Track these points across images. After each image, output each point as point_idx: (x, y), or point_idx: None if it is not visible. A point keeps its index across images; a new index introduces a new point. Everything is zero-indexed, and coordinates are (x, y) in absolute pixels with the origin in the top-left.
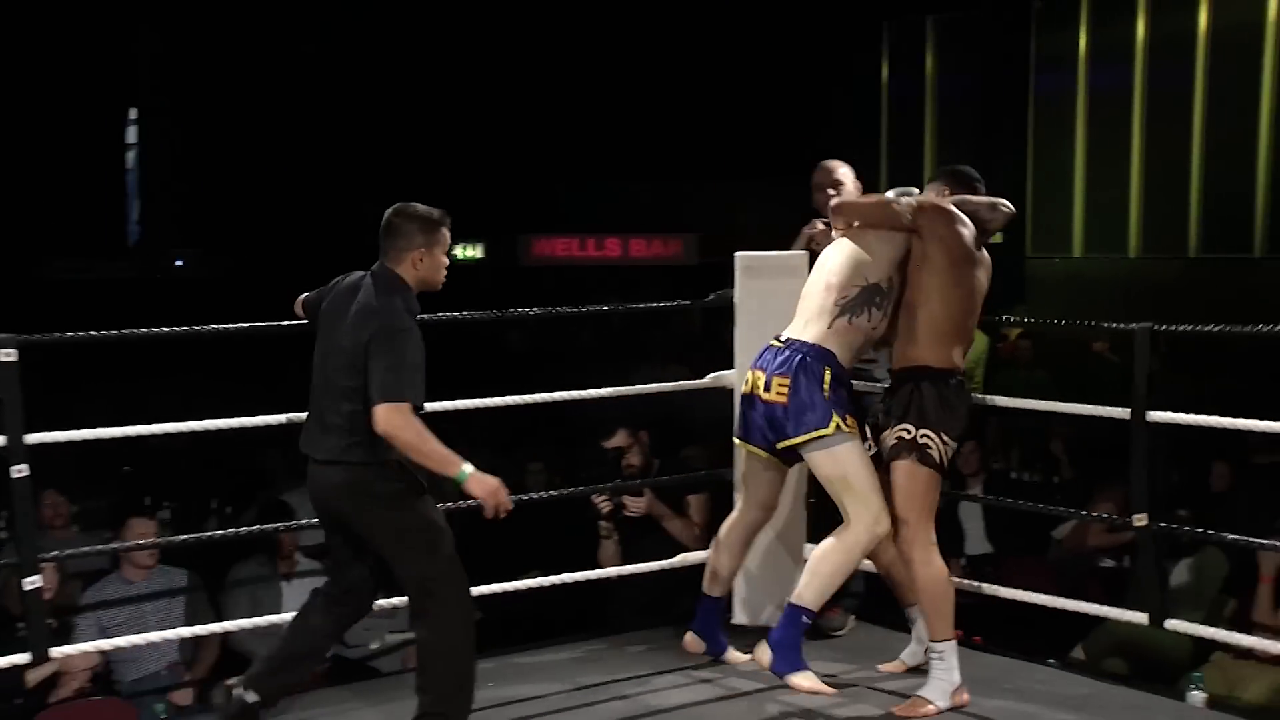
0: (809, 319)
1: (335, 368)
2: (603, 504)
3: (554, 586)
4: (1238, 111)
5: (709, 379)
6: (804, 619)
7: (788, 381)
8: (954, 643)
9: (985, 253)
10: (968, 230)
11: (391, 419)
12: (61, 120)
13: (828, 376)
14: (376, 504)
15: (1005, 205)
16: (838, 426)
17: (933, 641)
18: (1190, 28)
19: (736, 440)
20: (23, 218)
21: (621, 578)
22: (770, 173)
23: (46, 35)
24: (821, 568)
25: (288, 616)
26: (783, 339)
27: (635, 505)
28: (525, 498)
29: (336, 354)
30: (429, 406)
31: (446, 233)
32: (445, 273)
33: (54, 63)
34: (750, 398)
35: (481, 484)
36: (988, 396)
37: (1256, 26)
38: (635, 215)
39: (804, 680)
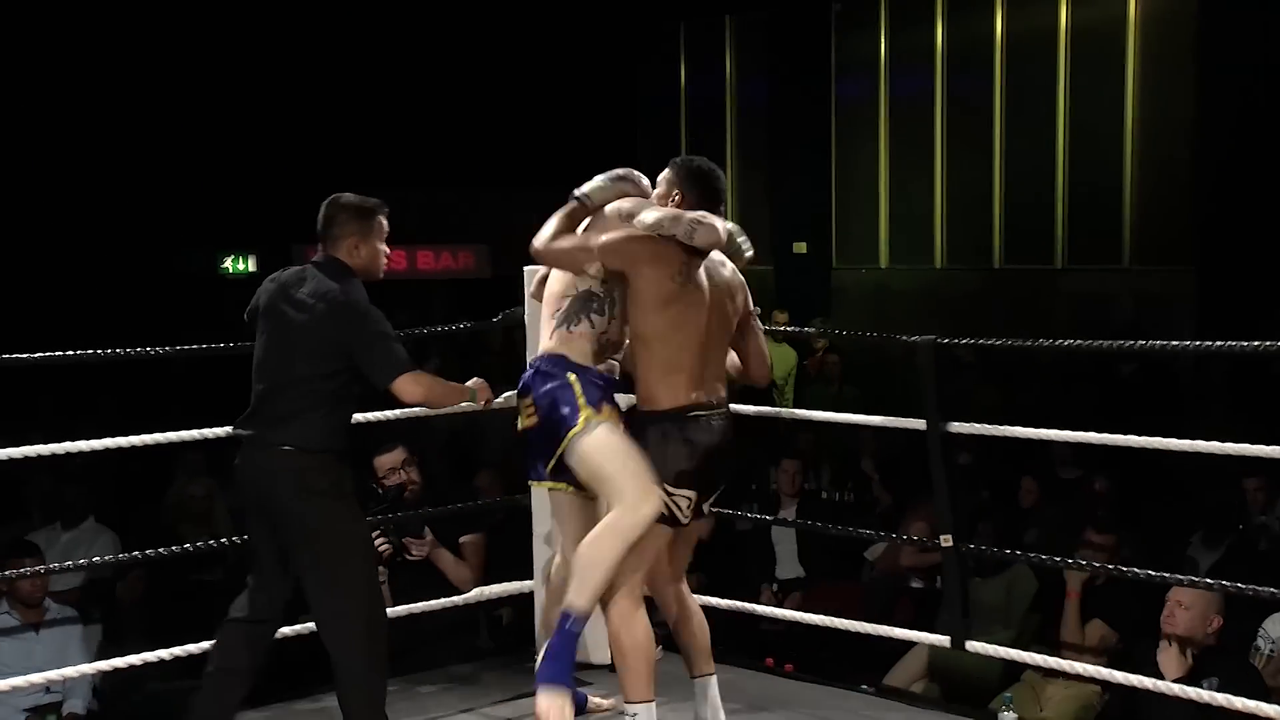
0: (542, 335)
1: (296, 356)
2: (382, 546)
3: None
4: (1037, 119)
5: (501, 399)
6: (571, 626)
7: (530, 400)
8: (651, 705)
9: (727, 271)
10: (666, 268)
11: (416, 388)
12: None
13: (570, 376)
14: (315, 493)
15: (709, 226)
16: (586, 419)
17: (627, 703)
18: (988, 33)
19: (531, 483)
20: None
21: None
22: (565, 180)
23: None
24: (586, 568)
25: (35, 677)
26: (529, 362)
27: (419, 549)
28: None
29: (296, 342)
30: (198, 434)
31: (382, 221)
32: (386, 262)
33: None
34: (523, 433)
35: (484, 389)
36: (785, 410)
37: (1051, 32)
38: (421, 224)
39: (546, 700)
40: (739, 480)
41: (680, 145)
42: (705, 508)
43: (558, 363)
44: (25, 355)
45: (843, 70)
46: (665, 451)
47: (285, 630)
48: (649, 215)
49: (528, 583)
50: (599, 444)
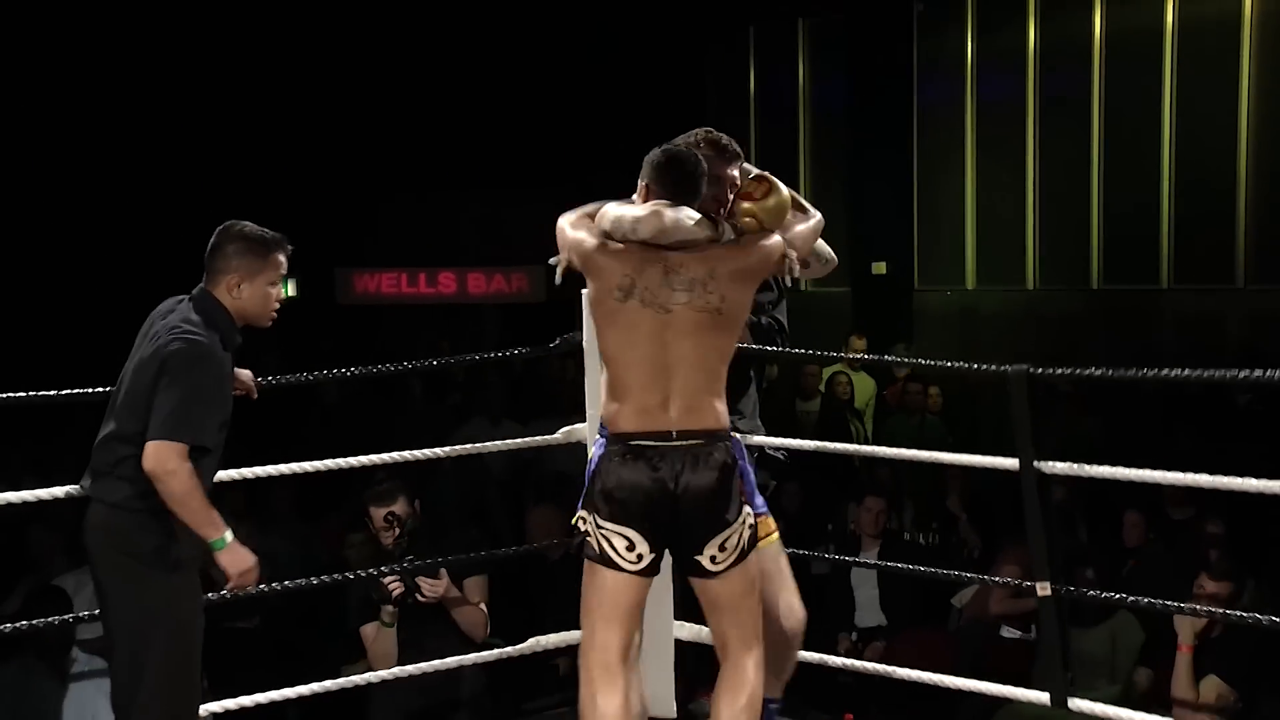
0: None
1: (124, 397)
2: (393, 584)
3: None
4: (1140, 125)
5: (561, 434)
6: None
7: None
8: None
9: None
10: (607, 282)
11: (164, 459)
12: None
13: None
14: (128, 557)
15: (649, 216)
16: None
17: None
18: (1085, 30)
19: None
20: None
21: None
22: (626, 194)
23: None
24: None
25: None
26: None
27: (431, 589)
28: (349, 576)
29: (129, 381)
30: (227, 475)
31: (278, 259)
32: (275, 306)
33: None
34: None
35: (236, 558)
36: (864, 447)
37: (1156, 29)
38: (474, 246)
39: None
40: (813, 520)
41: (750, 153)
42: (705, 561)
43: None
44: (54, 392)
45: (925, 73)
46: (596, 477)
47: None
48: (606, 217)
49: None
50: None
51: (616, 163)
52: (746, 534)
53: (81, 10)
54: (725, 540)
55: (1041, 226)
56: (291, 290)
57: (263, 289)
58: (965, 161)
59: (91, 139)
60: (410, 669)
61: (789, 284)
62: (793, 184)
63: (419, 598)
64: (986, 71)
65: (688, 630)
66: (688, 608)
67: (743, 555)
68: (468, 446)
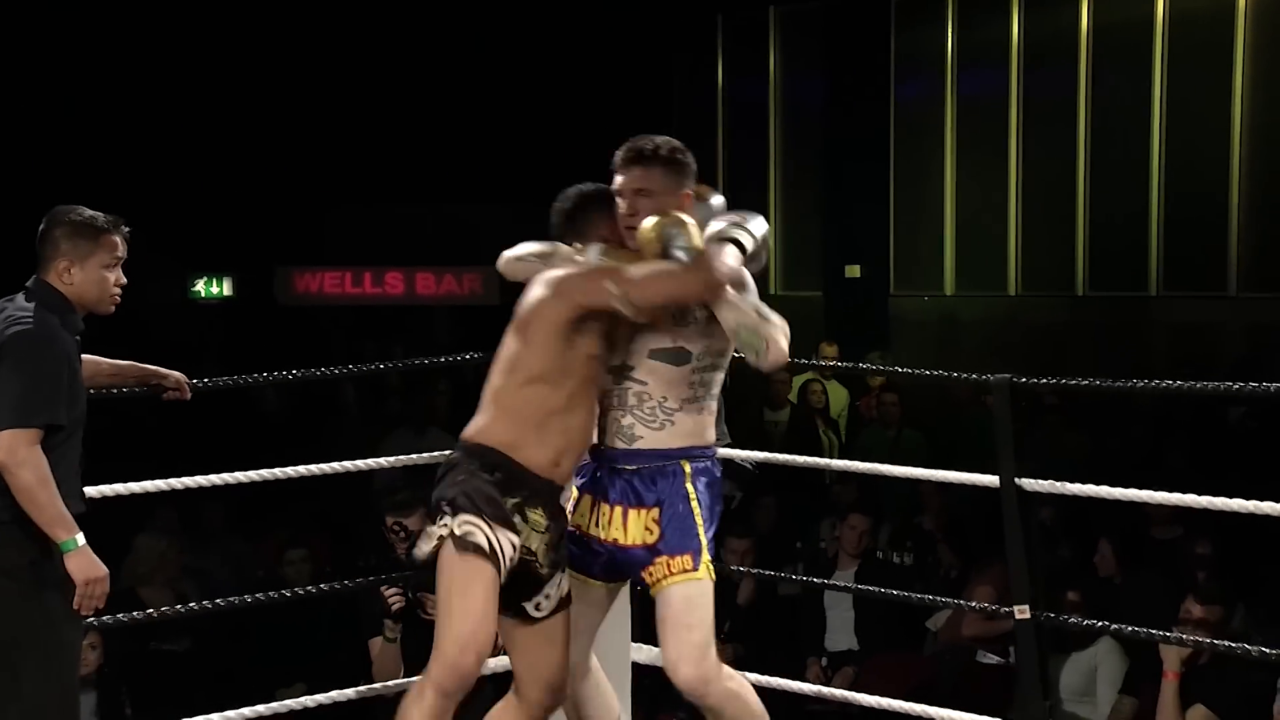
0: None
1: None
2: (393, 598)
3: (319, 707)
4: (1128, 124)
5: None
6: None
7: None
8: None
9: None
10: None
11: (13, 448)
12: None
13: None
14: None
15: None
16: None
17: None
18: (1071, 24)
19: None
20: None
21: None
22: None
23: None
24: None
25: None
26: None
27: (433, 604)
28: (286, 594)
29: None
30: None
31: (112, 241)
32: (116, 292)
33: None
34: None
35: (85, 564)
36: (839, 461)
37: (1146, 23)
38: (422, 244)
39: None
40: (780, 537)
41: (718, 154)
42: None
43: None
44: None
45: (904, 69)
46: None
47: (261, 709)
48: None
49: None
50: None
51: (577, 167)
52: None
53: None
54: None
55: (1024, 230)
56: (229, 289)
57: (96, 273)
58: (945, 161)
59: (34, 132)
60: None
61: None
62: (762, 184)
63: (422, 615)
64: (968, 67)
65: (645, 653)
66: (645, 630)
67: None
68: (424, 456)
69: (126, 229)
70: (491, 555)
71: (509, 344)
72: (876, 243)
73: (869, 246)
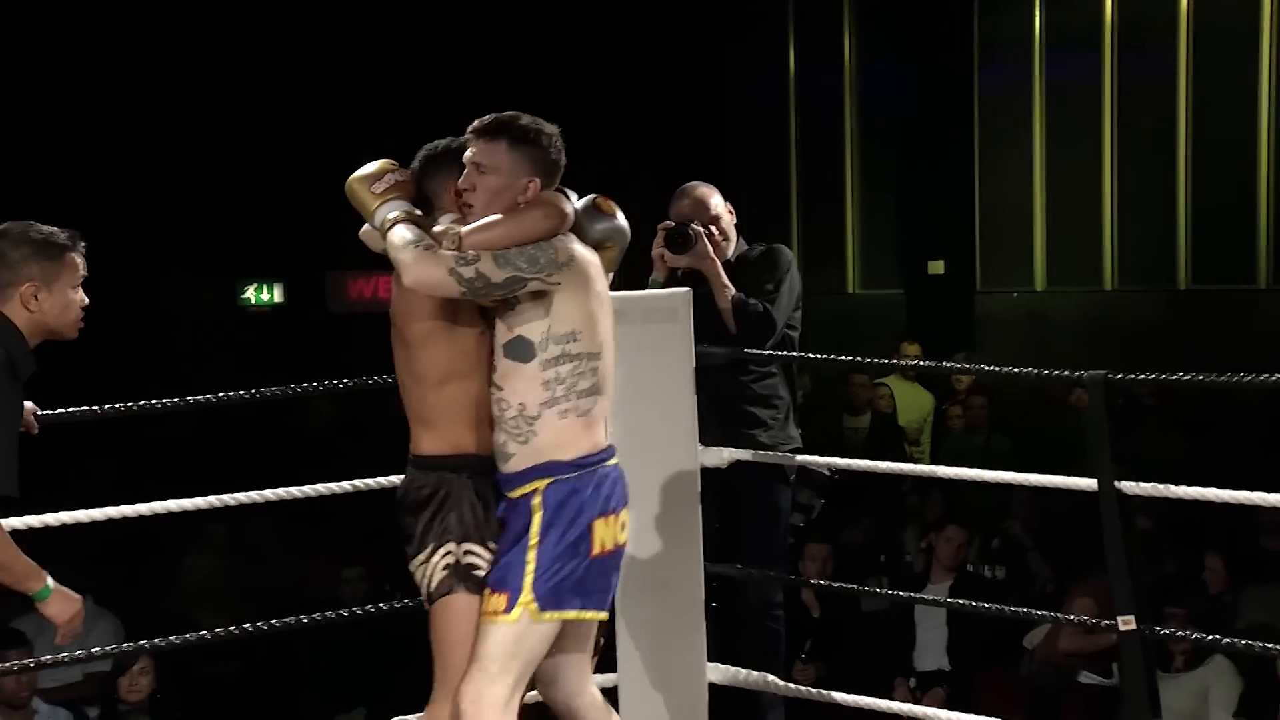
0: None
1: None
2: None
3: None
4: (1233, 107)
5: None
6: None
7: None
8: None
9: None
10: None
11: None
12: None
13: None
14: None
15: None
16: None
17: None
18: (1170, 5)
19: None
20: None
21: None
22: (656, 189)
23: None
24: None
25: None
26: (607, 446)
27: None
28: (344, 614)
29: None
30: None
31: (77, 259)
32: (80, 314)
33: None
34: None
35: (63, 604)
36: (923, 467)
37: (1252, 2)
38: None
39: None
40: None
41: (790, 146)
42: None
43: None
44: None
45: (988, 53)
46: None
47: None
48: None
49: (610, 676)
50: None
51: (630, 161)
52: (432, 573)
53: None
54: (413, 565)
55: (1120, 221)
56: (279, 296)
57: (65, 295)
58: (1033, 150)
59: (76, 137)
60: None
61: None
62: (838, 177)
63: None
64: (1057, 51)
65: (720, 673)
66: (720, 649)
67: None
68: None
69: (84, 244)
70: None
71: (399, 353)
72: (961, 237)
73: (953, 241)
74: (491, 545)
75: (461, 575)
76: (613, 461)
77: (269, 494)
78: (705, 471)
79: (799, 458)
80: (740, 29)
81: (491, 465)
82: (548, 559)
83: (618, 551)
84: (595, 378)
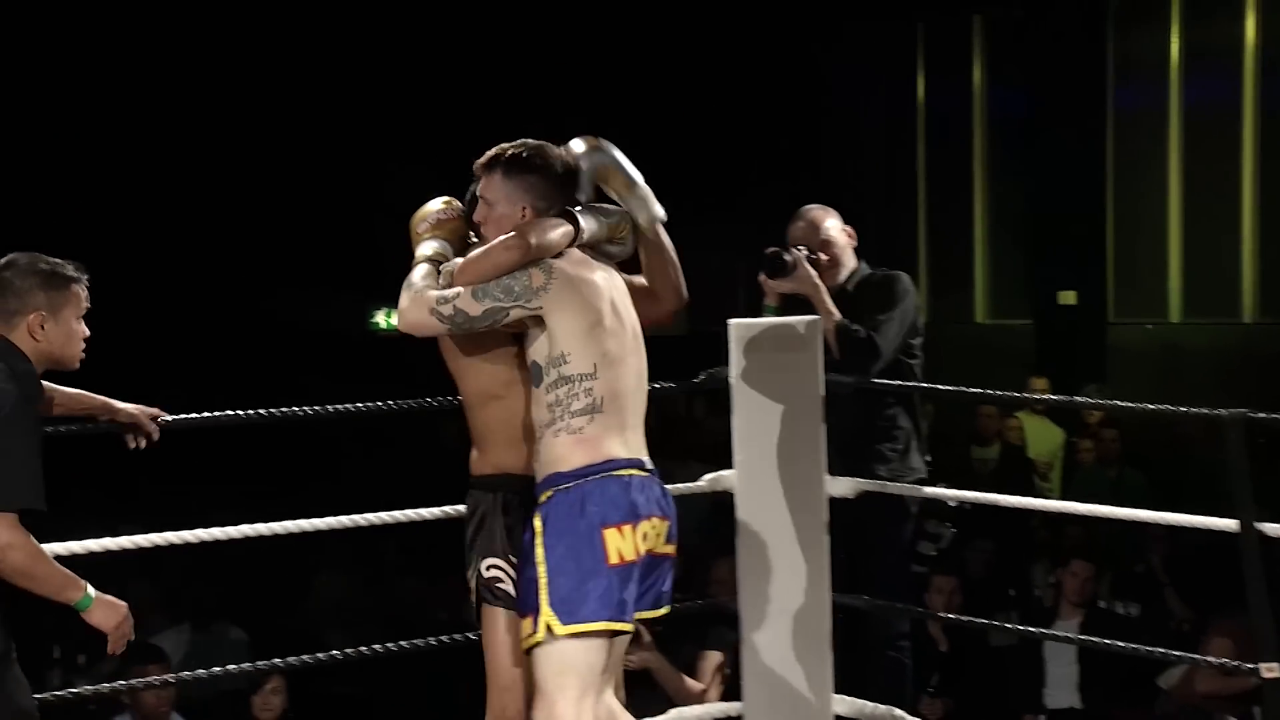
0: (639, 426)
1: None
2: None
3: None
4: None
5: (705, 481)
6: None
7: (666, 523)
8: None
9: None
10: None
11: (8, 542)
12: None
13: None
14: None
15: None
16: None
17: None
18: None
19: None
20: None
21: None
22: (782, 214)
23: None
24: None
25: None
26: (647, 463)
27: (637, 657)
28: (472, 636)
29: None
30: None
31: (81, 291)
32: (83, 345)
33: None
34: (654, 561)
35: (109, 611)
36: (1055, 502)
37: None
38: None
39: None
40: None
41: (918, 169)
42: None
43: None
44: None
45: (1122, 75)
46: None
47: None
48: None
49: (735, 705)
50: None
51: (760, 183)
52: (474, 587)
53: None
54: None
55: (1261, 250)
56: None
57: (70, 326)
58: (1169, 175)
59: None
60: None
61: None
62: (966, 202)
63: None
64: (1195, 72)
65: (846, 704)
66: (846, 680)
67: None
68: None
69: (88, 277)
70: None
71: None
72: (1093, 266)
73: (1084, 270)
74: (514, 560)
75: (488, 589)
76: (629, 472)
77: (399, 515)
78: (832, 501)
79: (928, 490)
80: (868, 52)
81: (528, 483)
82: (556, 571)
83: (646, 561)
84: (589, 398)
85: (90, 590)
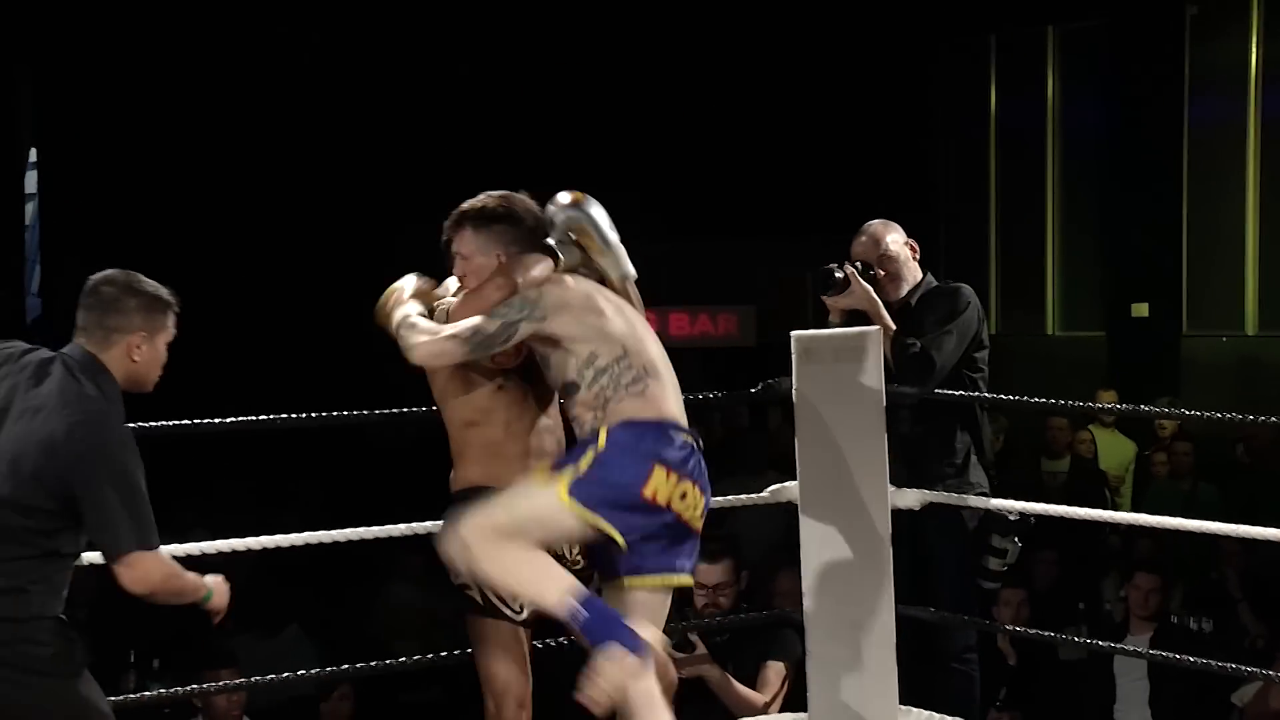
0: (674, 396)
1: (5, 481)
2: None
3: None
4: None
5: (768, 493)
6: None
7: (699, 488)
8: None
9: None
10: None
11: (151, 571)
12: None
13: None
14: (35, 674)
15: None
16: None
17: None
18: None
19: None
20: None
21: None
22: (846, 226)
23: None
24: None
25: None
26: (686, 428)
27: (691, 668)
28: (538, 645)
29: (10, 462)
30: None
31: (173, 318)
32: (160, 374)
33: None
34: (682, 529)
35: (222, 592)
36: (1126, 515)
37: None
38: (676, 283)
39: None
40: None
41: (990, 182)
42: None
43: None
44: (232, 419)
45: (1199, 87)
46: None
47: None
48: None
49: (801, 716)
50: None
51: (837, 198)
52: None
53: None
54: None
55: None
56: None
57: (160, 351)
58: (1246, 186)
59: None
60: None
61: None
62: (1040, 214)
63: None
64: (1274, 84)
65: (913, 717)
66: (913, 692)
67: None
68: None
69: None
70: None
71: None
72: (1167, 278)
73: (1158, 282)
74: None
75: (463, 598)
76: (689, 437)
77: None
78: (897, 513)
79: (993, 502)
80: (941, 64)
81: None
82: (600, 463)
83: (673, 523)
84: (634, 370)
85: (208, 578)
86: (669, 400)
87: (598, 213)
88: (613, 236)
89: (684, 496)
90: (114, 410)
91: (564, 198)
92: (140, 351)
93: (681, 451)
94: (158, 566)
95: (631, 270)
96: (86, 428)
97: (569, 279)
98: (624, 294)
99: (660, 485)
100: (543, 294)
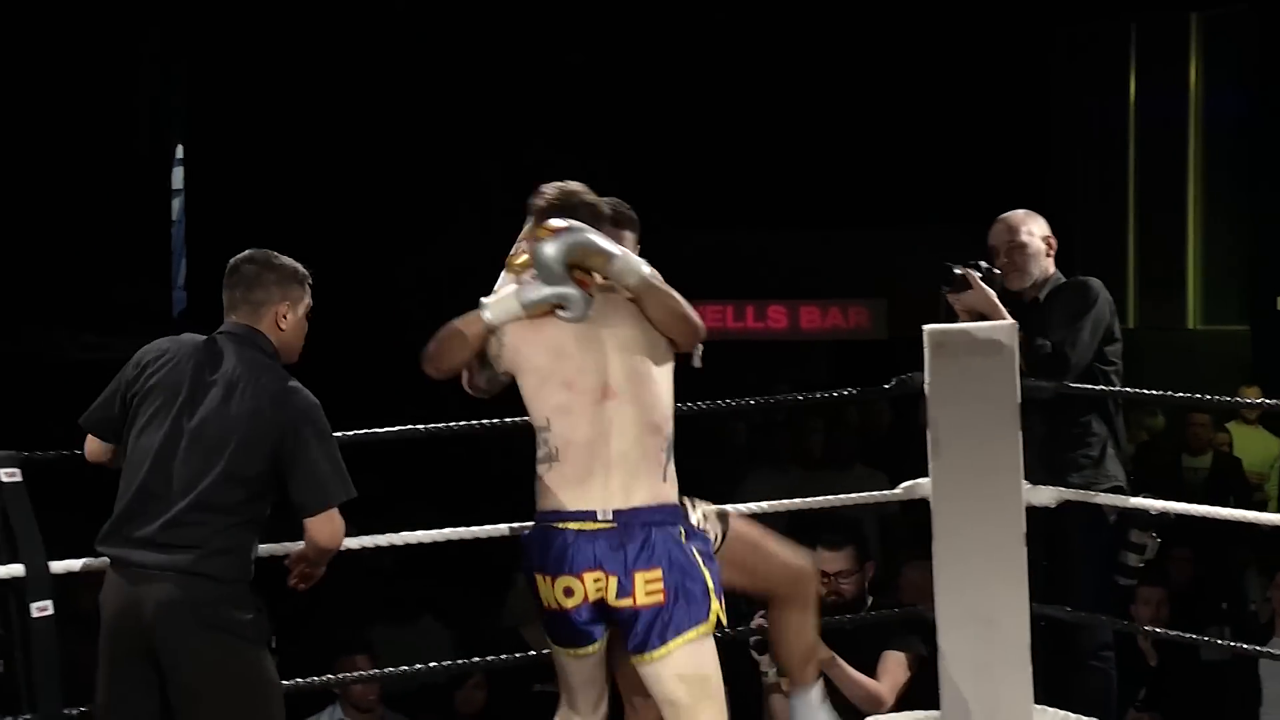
0: (634, 471)
1: (211, 458)
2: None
3: None
4: None
5: (901, 489)
6: None
7: (659, 574)
8: None
9: None
10: None
11: (339, 528)
12: (86, 159)
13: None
14: (224, 634)
15: None
16: (717, 615)
17: None
18: None
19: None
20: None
21: None
22: (987, 217)
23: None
24: None
25: None
26: (602, 514)
27: None
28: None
29: (212, 440)
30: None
31: (309, 291)
32: (303, 344)
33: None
34: (592, 607)
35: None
36: (1265, 514)
37: None
38: (806, 275)
39: None
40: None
41: (1129, 173)
42: None
43: (676, 515)
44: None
45: None
46: None
47: None
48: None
49: (933, 714)
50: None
51: (975, 188)
52: None
53: None
54: None
55: None
56: None
57: (303, 321)
58: None
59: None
60: None
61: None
62: (1180, 206)
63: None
64: None
65: (1049, 716)
66: (1049, 691)
67: None
68: (800, 501)
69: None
70: None
71: None
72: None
73: None
74: None
75: None
76: (570, 525)
77: None
78: (1032, 510)
79: (1134, 500)
80: (1075, 51)
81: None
82: None
83: (562, 613)
84: (546, 448)
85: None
86: (563, 488)
87: (588, 234)
88: (613, 248)
89: (568, 591)
90: (292, 378)
91: (546, 236)
92: (286, 320)
93: (556, 548)
94: (341, 527)
95: (647, 270)
96: (286, 393)
97: (537, 325)
98: (647, 294)
99: (544, 591)
100: (502, 348)
